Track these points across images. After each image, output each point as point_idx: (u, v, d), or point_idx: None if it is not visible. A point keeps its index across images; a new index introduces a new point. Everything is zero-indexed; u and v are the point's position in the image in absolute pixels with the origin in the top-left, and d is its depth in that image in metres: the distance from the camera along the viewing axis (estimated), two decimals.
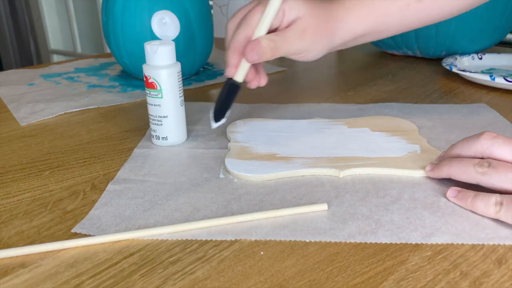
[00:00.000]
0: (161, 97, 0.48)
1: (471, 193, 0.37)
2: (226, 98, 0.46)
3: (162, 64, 0.47)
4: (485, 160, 0.37)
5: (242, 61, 0.45)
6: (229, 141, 0.50)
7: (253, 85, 0.49)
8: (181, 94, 0.49)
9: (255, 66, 0.48)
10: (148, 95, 0.48)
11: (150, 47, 0.47)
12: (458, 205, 0.37)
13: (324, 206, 0.37)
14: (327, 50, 0.48)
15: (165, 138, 0.49)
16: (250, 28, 0.44)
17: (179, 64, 0.49)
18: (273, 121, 0.55)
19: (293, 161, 0.44)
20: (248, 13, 0.44)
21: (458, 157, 0.40)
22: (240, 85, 0.46)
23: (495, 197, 0.35)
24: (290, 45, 0.44)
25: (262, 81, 0.49)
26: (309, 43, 0.45)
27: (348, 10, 0.47)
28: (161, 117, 0.48)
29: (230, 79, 0.45)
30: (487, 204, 0.35)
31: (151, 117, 0.49)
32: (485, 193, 0.36)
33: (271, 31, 0.44)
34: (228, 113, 0.47)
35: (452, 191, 0.38)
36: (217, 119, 0.46)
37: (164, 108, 0.48)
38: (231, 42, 0.44)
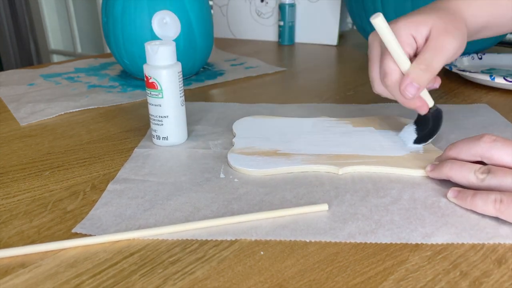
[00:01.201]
0: (162, 97, 0.48)
1: (470, 191, 0.37)
2: (434, 125, 0.47)
3: (162, 64, 0.47)
4: (485, 167, 0.37)
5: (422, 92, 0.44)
6: (234, 136, 0.50)
7: (430, 86, 0.47)
8: (182, 94, 0.49)
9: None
10: (149, 95, 0.48)
11: (150, 47, 0.47)
12: (459, 205, 0.37)
13: (324, 207, 0.37)
14: (465, 45, 0.45)
15: (165, 138, 0.49)
16: (392, 72, 0.43)
17: (179, 64, 0.49)
18: (279, 118, 0.56)
19: (293, 158, 0.45)
20: (381, 65, 0.44)
21: (457, 158, 0.40)
22: (440, 109, 0.47)
23: (494, 195, 0.35)
24: (443, 51, 0.42)
25: (437, 82, 0.47)
26: (458, 38, 0.43)
27: (468, 2, 0.45)
28: (161, 117, 0.48)
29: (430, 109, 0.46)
30: (486, 202, 0.35)
31: (151, 117, 0.49)
32: (484, 191, 0.36)
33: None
34: (432, 139, 0.47)
35: (452, 192, 0.38)
36: (424, 142, 0.47)
37: (164, 108, 0.48)
38: (396, 92, 0.44)
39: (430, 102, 0.46)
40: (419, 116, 0.47)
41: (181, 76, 0.49)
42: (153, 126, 0.49)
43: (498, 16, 0.47)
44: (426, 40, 0.43)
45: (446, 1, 0.46)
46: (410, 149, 0.47)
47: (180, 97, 0.49)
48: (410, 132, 0.48)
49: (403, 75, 0.43)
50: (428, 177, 0.42)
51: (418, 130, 0.47)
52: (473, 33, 0.47)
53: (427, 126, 0.47)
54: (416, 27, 0.43)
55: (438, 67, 0.42)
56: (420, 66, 0.42)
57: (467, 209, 0.37)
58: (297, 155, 0.45)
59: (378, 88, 0.46)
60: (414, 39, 0.43)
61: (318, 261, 0.31)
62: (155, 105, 0.48)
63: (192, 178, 0.43)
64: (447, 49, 0.42)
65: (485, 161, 0.38)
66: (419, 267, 0.31)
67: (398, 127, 0.52)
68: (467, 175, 0.37)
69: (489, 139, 0.38)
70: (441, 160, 0.41)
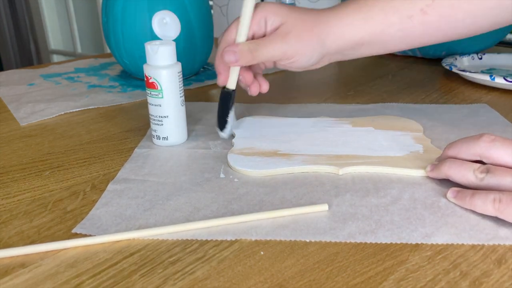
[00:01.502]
0: (162, 97, 0.48)
1: (469, 191, 0.37)
2: (222, 106, 0.48)
3: (162, 64, 0.47)
4: (484, 166, 0.37)
5: (230, 69, 0.47)
6: (234, 137, 0.50)
7: (253, 91, 0.50)
8: (182, 94, 0.49)
9: (251, 72, 0.49)
10: (149, 95, 0.48)
11: (150, 47, 0.47)
12: (459, 206, 0.37)
13: (324, 207, 0.37)
14: (320, 55, 0.47)
15: (165, 138, 0.49)
16: (230, 35, 0.46)
17: (179, 64, 0.49)
18: (278, 118, 0.56)
19: (293, 158, 0.45)
20: (229, 25, 0.46)
21: (456, 157, 0.40)
22: (232, 92, 0.48)
23: (493, 194, 0.35)
24: (272, 48, 0.45)
25: (263, 87, 0.50)
26: (295, 46, 0.45)
27: (339, 17, 0.46)
28: (161, 117, 0.48)
29: (223, 88, 0.48)
30: (485, 201, 0.35)
31: (151, 117, 0.49)
32: (483, 191, 0.36)
33: None
34: (229, 120, 0.49)
35: (451, 192, 0.38)
36: (221, 127, 0.49)
37: (164, 108, 0.48)
38: (217, 52, 0.47)
39: (231, 84, 0.48)
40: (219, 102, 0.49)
41: (181, 76, 0.49)
42: (153, 126, 0.49)
43: (375, 33, 0.46)
44: (275, 30, 0.46)
45: (326, 12, 0.47)
46: (409, 149, 0.47)
47: (180, 97, 0.49)
48: (216, 122, 0.50)
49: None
50: (428, 177, 0.42)
51: (217, 116, 0.49)
52: (348, 48, 0.47)
53: (218, 109, 0.49)
54: (273, 14, 0.45)
55: (261, 56, 0.45)
56: (250, 45, 0.44)
57: (467, 210, 0.37)
58: (297, 155, 0.45)
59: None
60: (265, 23, 0.46)
61: (318, 261, 0.31)
62: (155, 105, 0.48)
63: (192, 178, 0.43)
64: (276, 48, 0.45)
65: (484, 160, 0.38)
66: (419, 267, 0.31)
67: (398, 127, 0.52)
68: (466, 174, 0.37)
69: (488, 139, 0.38)
70: (441, 160, 0.41)
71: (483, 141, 0.38)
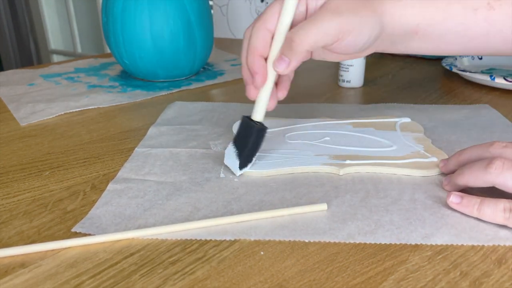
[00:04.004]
0: None
1: (476, 199, 0.35)
2: (252, 144, 0.41)
3: None
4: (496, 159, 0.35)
5: (259, 95, 0.40)
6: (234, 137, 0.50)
7: (271, 105, 0.42)
8: None
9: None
10: None
11: None
12: (463, 213, 0.36)
13: (323, 206, 0.37)
14: (378, 35, 0.39)
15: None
16: (269, 24, 0.38)
17: None
18: (279, 119, 0.56)
19: (294, 158, 0.45)
20: (265, 11, 0.39)
21: (467, 185, 0.37)
22: (266, 128, 0.42)
23: (503, 203, 0.34)
24: (325, 24, 0.37)
25: (280, 93, 0.43)
26: (351, 20, 0.37)
27: None
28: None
29: (251, 121, 0.41)
30: (495, 211, 0.34)
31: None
32: (491, 199, 0.35)
33: None
34: (255, 158, 0.42)
35: (455, 197, 0.36)
36: (243, 165, 0.42)
37: None
38: (248, 48, 0.39)
39: (261, 115, 0.41)
40: (239, 132, 0.43)
41: None
42: None
43: (433, 22, 0.40)
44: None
45: None
46: (410, 150, 0.47)
47: None
48: (232, 155, 0.43)
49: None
50: (428, 178, 0.42)
51: (239, 152, 0.42)
52: (401, 35, 0.41)
53: (247, 143, 0.41)
54: None
55: (311, 42, 0.37)
56: (292, 34, 0.37)
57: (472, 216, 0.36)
58: (298, 155, 0.45)
59: (247, 31, 0.41)
60: (306, 8, 0.39)
61: (318, 261, 0.31)
62: None
63: (192, 178, 0.43)
64: (329, 24, 0.37)
65: (497, 187, 0.35)
66: (419, 267, 0.31)
67: (399, 128, 0.52)
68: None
69: (499, 146, 0.37)
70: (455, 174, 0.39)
71: (494, 149, 0.37)
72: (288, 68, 0.38)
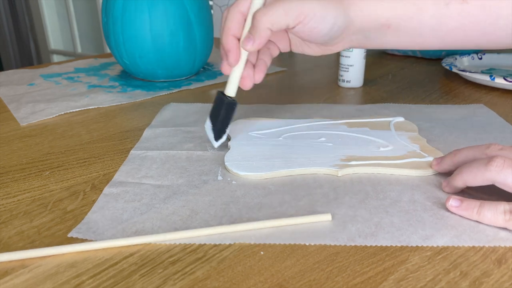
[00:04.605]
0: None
1: (476, 202, 0.35)
2: (223, 117, 0.45)
3: None
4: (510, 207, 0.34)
5: (232, 73, 0.43)
6: (229, 140, 0.50)
7: (246, 84, 0.45)
8: None
9: (253, 69, 0.45)
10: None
11: None
12: (463, 216, 0.36)
13: (328, 217, 0.36)
14: (342, 26, 0.41)
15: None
16: (242, 7, 0.41)
17: None
18: (274, 120, 0.55)
19: (292, 160, 0.44)
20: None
21: (466, 185, 0.38)
22: (236, 102, 0.45)
23: (503, 206, 0.34)
24: (283, 5, 0.39)
25: (257, 76, 0.45)
26: (313, 5, 0.39)
27: None
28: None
29: (223, 95, 0.45)
30: (496, 213, 0.34)
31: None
32: (491, 202, 0.35)
33: None
34: (228, 130, 0.47)
35: (454, 201, 0.36)
36: (217, 137, 0.47)
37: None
38: (223, 28, 0.42)
39: (232, 92, 0.45)
40: (213, 107, 0.46)
41: None
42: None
43: (404, 17, 0.41)
44: None
45: None
46: (407, 150, 0.47)
47: None
48: (208, 129, 0.47)
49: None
50: (427, 179, 0.42)
51: (212, 125, 0.47)
52: (373, 29, 0.42)
53: (217, 117, 0.46)
54: None
55: (274, 20, 0.39)
56: (257, 13, 0.40)
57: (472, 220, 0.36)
58: (296, 157, 0.45)
59: (225, 11, 0.43)
60: None
61: (318, 261, 0.31)
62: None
63: (189, 181, 0.42)
64: (291, 6, 0.39)
65: (497, 185, 0.35)
66: (419, 267, 0.31)
67: (393, 127, 0.52)
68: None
69: (496, 148, 0.37)
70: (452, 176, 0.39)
71: (490, 151, 0.37)
72: (253, 46, 0.40)
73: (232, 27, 0.42)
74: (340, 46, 0.45)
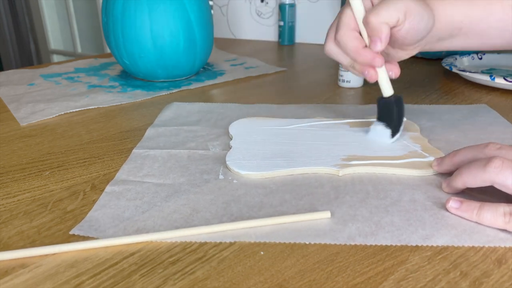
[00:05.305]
0: None
1: (475, 203, 0.35)
2: (398, 113, 0.48)
3: None
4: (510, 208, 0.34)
5: (379, 73, 0.46)
6: (231, 139, 0.50)
7: (398, 72, 0.48)
8: None
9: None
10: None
11: None
12: (463, 217, 0.36)
13: (327, 214, 0.36)
14: (430, 28, 0.45)
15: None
16: (349, 18, 0.44)
17: None
18: (276, 119, 0.55)
19: (293, 159, 0.45)
20: (339, 18, 0.45)
21: (465, 186, 0.37)
22: (401, 96, 0.48)
23: (503, 207, 0.34)
24: (391, 3, 0.43)
25: (395, 68, 0.48)
26: (413, 4, 0.43)
27: None
28: None
29: (386, 98, 0.48)
30: (495, 215, 0.34)
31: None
32: (491, 203, 0.35)
33: None
34: (403, 123, 0.49)
35: (454, 202, 0.36)
36: (394, 133, 0.48)
37: None
38: (350, 52, 0.45)
39: (389, 90, 0.48)
40: (380, 112, 0.49)
41: None
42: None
43: (475, 20, 0.46)
44: None
45: None
46: (408, 149, 0.47)
47: None
48: (380, 130, 0.49)
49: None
50: (428, 179, 0.42)
51: (387, 124, 0.49)
52: (447, 31, 0.46)
53: (392, 116, 0.48)
54: None
55: (384, 17, 0.43)
56: (370, 15, 0.43)
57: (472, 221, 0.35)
58: (297, 156, 0.45)
59: (329, 44, 0.47)
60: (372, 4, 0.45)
61: (318, 261, 0.31)
62: None
63: (190, 180, 0.42)
64: (398, 5, 0.42)
65: (496, 186, 0.35)
66: (419, 267, 0.31)
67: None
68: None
69: (494, 147, 0.37)
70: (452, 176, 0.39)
71: (489, 150, 0.37)
72: (382, 43, 0.43)
73: (356, 44, 0.45)
74: (417, 49, 0.48)
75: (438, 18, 0.45)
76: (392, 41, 0.46)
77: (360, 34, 0.45)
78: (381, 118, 0.49)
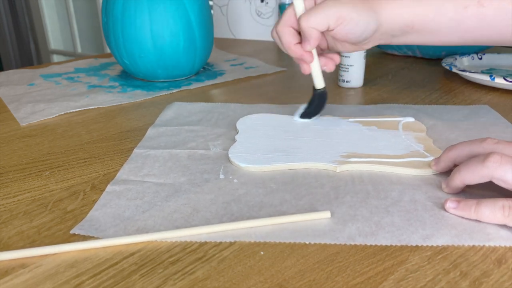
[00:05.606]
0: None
1: (473, 201, 0.35)
2: (319, 105, 0.54)
3: None
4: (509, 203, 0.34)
5: (312, 68, 0.50)
6: (237, 133, 0.51)
7: (332, 67, 0.51)
8: None
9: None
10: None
11: None
12: (462, 217, 0.36)
13: (327, 214, 0.36)
14: (373, 29, 0.46)
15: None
16: (289, 16, 0.48)
17: None
18: (281, 116, 0.56)
19: (293, 155, 0.45)
20: (283, 13, 0.49)
21: (464, 182, 0.37)
22: (326, 91, 0.53)
23: (501, 202, 0.34)
24: (324, 9, 0.45)
25: (335, 57, 0.52)
26: (349, 11, 0.45)
27: None
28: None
29: (315, 90, 0.53)
30: (494, 210, 0.34)
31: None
32: (489, 199, 0.34)
33: None
34: (317, 116, 0.55)
35: (451, 202, 0.36)
36: (303, 116, 0.54)
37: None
38: (284, 44, 0.49)
39: (320, 83, 0.52)
40: (312, 97, 0.54)
41: None
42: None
43: (426, 20, 0.46)
44: None
45: None
46: (410, 149, 0.47)
47: None
48: (299, 110, 0.55)
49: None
50: (428, 179, 0.42)
51: (306, 107, 0.54)
52: (398, 30, 0.47)
53: (312, 105, 0.54)
54: None
55: (319, 20, 0.45)
56: (303, 17, 0.46)
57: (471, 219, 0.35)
58: (297, 152, 0.46)
59: (273, 32, 0.50)
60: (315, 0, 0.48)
61: (318, 261, 0.31)
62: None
63: (191, 179, 0.42)
64: (331, 11, 0.45)
65: (495, 181, 0.35)
66: (419, 267, 0.31)
67: (404, 128, 0.52)
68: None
69: (491, 142, 0.37)
70: (444, 163, 0.41)
71: (486, 144, 0.37)
72: (310, 45, 0.47)
73: (289, 40, 0.49)
74: (370, 44, 0.50)
75: (385, 19, 0.46)
76: (334, 39, 0.49)
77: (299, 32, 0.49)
78: (308, 104, 0.54)
